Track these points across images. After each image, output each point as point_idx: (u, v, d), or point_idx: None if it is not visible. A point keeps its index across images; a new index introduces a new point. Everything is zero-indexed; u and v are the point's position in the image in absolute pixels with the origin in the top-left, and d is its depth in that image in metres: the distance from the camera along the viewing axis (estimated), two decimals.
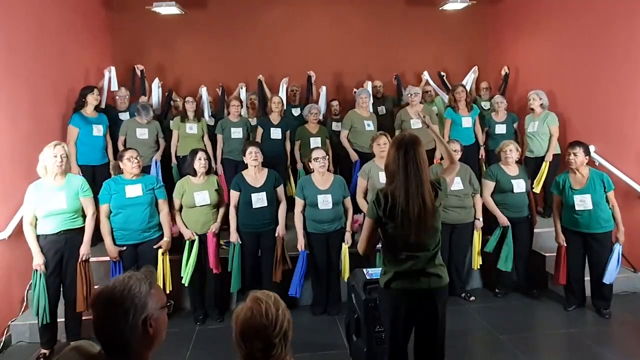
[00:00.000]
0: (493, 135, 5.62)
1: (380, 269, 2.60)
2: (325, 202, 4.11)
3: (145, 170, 5.02)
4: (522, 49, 6.39)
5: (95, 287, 3.72)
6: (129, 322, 1.33)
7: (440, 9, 6.64)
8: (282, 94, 6.04)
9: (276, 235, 4.22)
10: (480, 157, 5.64)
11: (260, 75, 6.14)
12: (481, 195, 4.52)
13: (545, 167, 5.14)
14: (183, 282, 4.07)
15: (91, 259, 3.79)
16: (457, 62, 6.89)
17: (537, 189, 5.03)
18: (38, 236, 3.58)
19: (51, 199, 3.55)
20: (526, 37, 6.30)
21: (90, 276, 3.74)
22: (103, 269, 4.20)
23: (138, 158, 3.97)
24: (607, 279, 4.04)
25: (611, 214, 4.06)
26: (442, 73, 6.43)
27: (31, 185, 3.61)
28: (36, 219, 3.59)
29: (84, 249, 3.69)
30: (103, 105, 5.37)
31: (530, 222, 4.56)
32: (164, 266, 3.98)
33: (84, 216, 3.75)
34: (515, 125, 5.74)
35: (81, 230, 3.72)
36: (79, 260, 3.67)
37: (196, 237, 4.08)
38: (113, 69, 5.57)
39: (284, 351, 1.60)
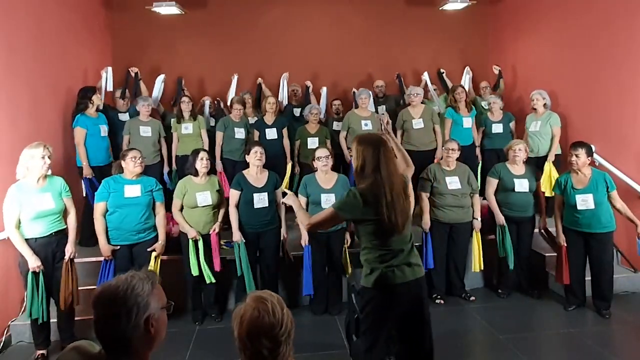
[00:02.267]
0: (490, 135, 5.63)
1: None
2: (328, 201, 4.09)
3: (148, 168, 5.02)
4: (522, 49, 6.39)
5: (90, 287, 3.71)
6: (131, 322, 1.32)
7: (440, 9, 6.64)
8: (284, 90, 6.03)
9: (282, 238, 4.25)
10: (476, 156, 5.63)
11: (260, 79, 6.15)
12: (485, 194, 4.56)
13: (549, 169, 5.12)
14: (210, 281, 4.06)
15: (88, 260, 3.78)
16: (457, 62, 6.88)
17: (548, 192, 4.81)
18: (28, 240, 3.51)
19: (38, 200, 3.49)
20: (526, 37, 6.30)
21: (76, 276, 3.73)
22: (97, 269, 4.19)
23: (141, 158, 3.96)
24: None
25: (612, 214, 4.06)
26: (442, 70, 6.37)
27: (12, 187, 3.50)
28: (19, 222, 3.51)
29: (70, 248, 3.68)
30: (101, 107, 5.37)
31: (534, 222, 4.54)
32: (154, 268, 3.93)
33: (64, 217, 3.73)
34: (511, 124, 5.74)
35: (67, 231, 3.72)
36: (66, 259, 3.65)
37: (200, 237, 4.08)
38: (110, 69, 5.53)
39: (288, 350, 1.61)
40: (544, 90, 5.36)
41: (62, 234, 3.67)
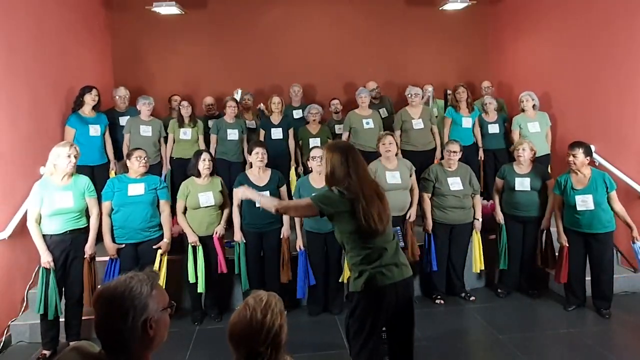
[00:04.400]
0: (486, 136, 5.64)
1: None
2: None
3: (150, 168, 5.00)
4: (522, 49, 6.39)
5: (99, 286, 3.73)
6: (128, 323, 1.32)
7: (440, 9, 6.63)
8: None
9: (281, 236, 4.24)
10: (479, 158, 5.64)
11: (261, 104, 6.09)
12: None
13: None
14: (201, 291, 4.08)
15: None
16: (457, 62, 6.90)
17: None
18: (43, 235, 3.58)
19: (58, 198, 3.57)
20: (526, 37, 6.30)
21: (96, 275, 3.78)
22: (102, 268, 4.20)
23: (146, 158, 3.98)
24: None
25: (612, 214, 4.05)
26: (449, 91, 6.12)
27: (37, 183, 3.61)
28: (40, 217, 3.59)
29: (90, 249, 3.72)
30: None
31: (539, 223, 4.48)
32: (161, 267, 3.97)
33: (87, 216, 3.77)
34: (506, 124, 5.77)
35: (86, 230, 3.75)
36: (86, 259, 3.70)
37: (199, 244, 4.08)
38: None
39: (276, 356, 1.57)
40: (532, 92, 5.40)
41: (77, 233, 3.69)
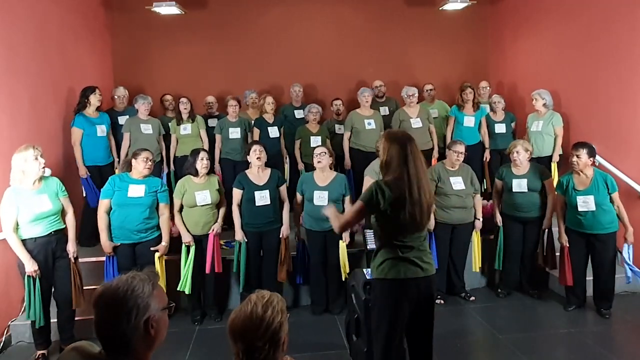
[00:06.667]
0: (492, 135, 5.64)
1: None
2: (321, 198, 4.11)
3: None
4: (523, 49, 6.39)
5: (91, 287, 3.72)
6: (131, 323, 1.32)
7: (440, 9, 6.62)
8: None
9: (281, 236, 4.24)
10: (484, 159, 5.64)
11: None
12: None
13: (555, 169, 5.15)
14: (183, 289, 4.05)
15: (88, 259, 3.78)
16: (457, 62, 6.89)
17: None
18: (26, 240, 3.49)
19: (36, 202, 3.48)
20: (526, 37, 6.30)
21: (81, 274, 3.74)
22: (98, 269, 4.19)
23: (151, 161, 3.96)
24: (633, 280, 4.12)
25: (615, 215, 4.05)
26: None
27: (8, 190, 3.47)
28: (17, 225, 3.48)
29: (72, 247, 3.69)
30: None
31: (541, 223, 4.46)
32: (160, 269, 3.95)
33: (62, 217, 3.72)
34: (513, 124, 5.76)
35: (66, 230, 3.72)
36: (71, 259, 3.67)
37: (193, 245, 4.08)
38: None
39: (274, 355, 1.58)
40: (545, 90, 5.34)
41: (61, 233, 3.67)
